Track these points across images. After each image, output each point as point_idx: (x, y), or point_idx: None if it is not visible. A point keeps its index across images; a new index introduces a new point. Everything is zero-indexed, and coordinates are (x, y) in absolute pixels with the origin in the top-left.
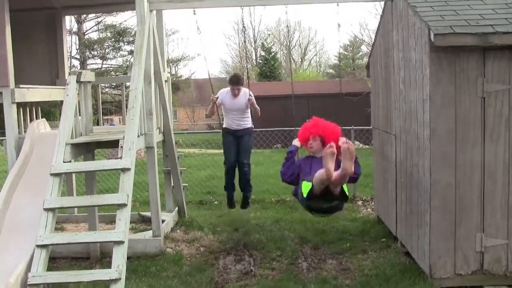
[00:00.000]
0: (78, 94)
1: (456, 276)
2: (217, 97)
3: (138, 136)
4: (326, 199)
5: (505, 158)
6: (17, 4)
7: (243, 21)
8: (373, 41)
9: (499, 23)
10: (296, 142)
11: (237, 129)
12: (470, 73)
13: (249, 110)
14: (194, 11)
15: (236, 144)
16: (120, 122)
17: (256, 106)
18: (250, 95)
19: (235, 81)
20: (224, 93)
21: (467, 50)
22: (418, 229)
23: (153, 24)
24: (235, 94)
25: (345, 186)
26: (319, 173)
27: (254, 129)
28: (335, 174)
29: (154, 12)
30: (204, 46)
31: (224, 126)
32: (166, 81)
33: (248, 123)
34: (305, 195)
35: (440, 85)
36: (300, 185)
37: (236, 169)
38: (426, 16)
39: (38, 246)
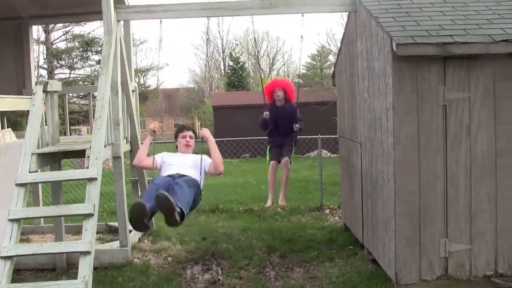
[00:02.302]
0: (44, 104)
1: (421, 282)
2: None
3: (105, 146)
4: None
5: (466, 164)
6: None
7: (207, 32)
8: (338, 51)
9: (458, 34)
10: (265, 115)
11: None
12: (431, 82)
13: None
14: (160, 21)
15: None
16: (88, 132)
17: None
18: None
19: (181, 128)
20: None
21: (428, 60)
22: (384, 236)
23: (120, 34)
24: (187, 145)
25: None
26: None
27: (219, 140)
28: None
29: (122, 22)
30: (159, 57)
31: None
32: (133, 91)
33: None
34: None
35: (403, 94)
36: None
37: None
38: (388, 26)
39: (2, 257)
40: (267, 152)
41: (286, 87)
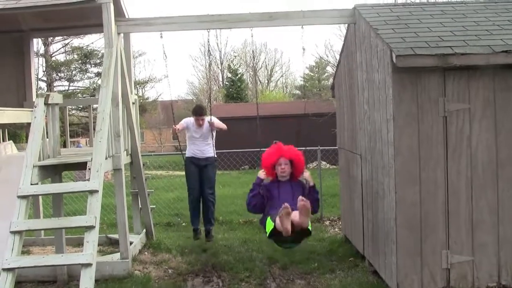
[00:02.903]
0: (45, 116)
1: None
2: (178, 129)
3: (106, 158)
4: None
5: (467, 175)
6: None
7: (209, 44)
8: (337, 62)
9: (457, 45)
10: (260, 175)
11: (200, 157)
12: (431, 93)
13: (211, 139)
14: (161, 34)
15: (199, 174)
16: (86, 144)
17: (220, 124)
18: (210, 120)
19: (198, 111)
20: (189, 121)
21: (428, 71)
22: (385, 247)
23: (120, 46)
24: (199, 124)
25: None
26: (279, 226)
27: (219, 152)
28: (295, 221)
29: (122, 34)
30: (168, 71)
31: (187, 155)
32: (133, 103)
33: (211, 152)
34: (267, 235)
35: (403, 105)
36: (265, 216)
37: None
38: (388, 38)
39: (4, 269)
40: (268, 222)
41: (295, 159)
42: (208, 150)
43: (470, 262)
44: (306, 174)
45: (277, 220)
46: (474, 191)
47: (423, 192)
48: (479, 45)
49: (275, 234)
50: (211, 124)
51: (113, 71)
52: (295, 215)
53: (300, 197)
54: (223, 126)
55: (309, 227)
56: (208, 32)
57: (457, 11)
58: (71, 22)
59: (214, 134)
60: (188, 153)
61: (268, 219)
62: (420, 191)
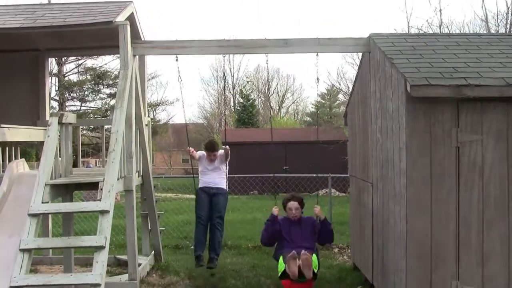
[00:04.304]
0: (59, 136)
1: None
2: (194, 153)
3: (118, 179)
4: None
5: (479, 206)
6: (1, 45)
7: (223, 69)
8: (351, 90)
9: (471, 76)
10: (274, 211)
11: (212, 187)
12: (445, 123)
13: (224, 171)
14: (176, 57)
15: (210, 202)
16: (96, 165)
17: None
18: (226, 146)
19: (210, 148)
20: (203, 155)
21: (442, 101)
22: (394, 277)
23: (135, 68)
24: (211, 160)
25: (315, 264)
26: (288, 270)
27: (228, 176)
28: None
29: (137, 56)
30: (182, 94)
31: (199, 186)
32: (146, 125)
33: (223, 184)
34: (279, 275)
35: (416, 135)
36: (277, 251)
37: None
38: (403, 67)
39: (12, 287)
40: (280, 261)
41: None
42: (221, 181)
43: None
44: (317, 210)
45: (288, 269)
46: (485, 222)
47: (434, 222)
48: (492, 77)
49: (286, 275)
50: (226, 150)
51: (127, 93)
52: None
53: (303, 252)
54: (227, 150)
55: (315, 270)
56: (224, 57)
57: (471, 43)
58: (87, 43)
59: (227, 166)
60: (200, 184)
61: (280, 259)
62: (431, 221)
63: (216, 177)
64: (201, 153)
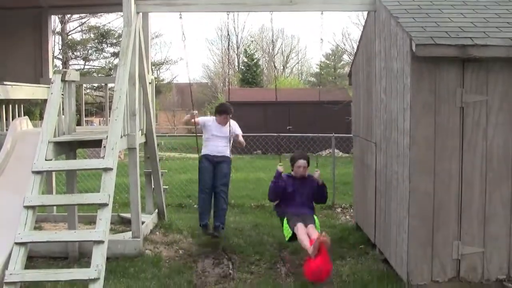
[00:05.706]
0: (62, 93)
1: (433, 283)
2: (196, 113)
3: (121, 137)
4: None
5: (482, 167)
6: (3, 2)
7: (226, 29)
8: (355, 50)
9: (477, 36)
10: (279, 168)
11: (217, 155)
12: (449, 84)
13: (230, 143)
14: (180, 15)
15: (213, 170)
16: (100, 124)
17: (242, 140)
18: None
19: (227, 111)
20: (210, 120)
21: (447, 61)
22: (396, 236)
23: (139, 26)
24: (224, 123)
25: (317, 225)
26: (300, 240)
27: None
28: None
29: (141, 14)
30: (187, 53)
31: (203, 153)
32: (150, 83)
33: (228, 152)
34: (286, 239)
35: (421, 95)
36: (280, 208)
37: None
38: (408, 26)
39: (16, 243)
40: (285, 225)
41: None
42: (226, 149)
43: (481, 254)
44: (317, 174)
45: (297, 234)
46: (488, 183)
47: (437, 183)
48: (499, 37)
49: (294, 238)
50: (238, 136)
51: (131, 50)
52: (309, 231)
53: (323, 234)
54: (243, 143)
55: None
56: (228, 14)
57: (479, 3)
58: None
59: (232, 141)
60: (204, 151)
61: (285, 223)
62: (434, 182)
63: (222, 145)
64: (204, 120)
